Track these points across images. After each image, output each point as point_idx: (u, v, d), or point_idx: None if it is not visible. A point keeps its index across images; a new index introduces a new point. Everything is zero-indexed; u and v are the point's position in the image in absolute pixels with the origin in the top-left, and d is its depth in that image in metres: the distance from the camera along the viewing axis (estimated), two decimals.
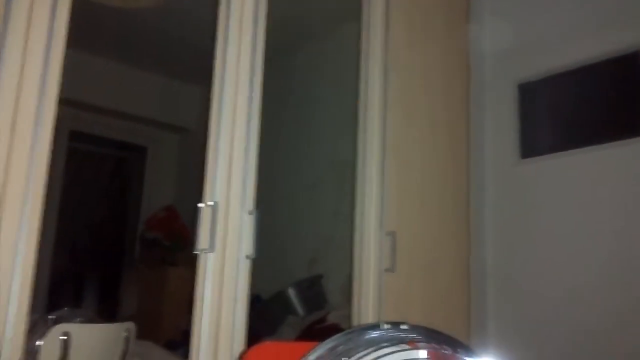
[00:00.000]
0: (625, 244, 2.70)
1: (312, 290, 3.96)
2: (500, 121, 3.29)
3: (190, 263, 2.01)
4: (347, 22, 3.44)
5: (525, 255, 3.07)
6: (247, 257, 2.01)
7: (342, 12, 3.79)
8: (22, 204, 1.58)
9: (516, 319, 3.05)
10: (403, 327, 1.18)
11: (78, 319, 2.55)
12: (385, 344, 1.13)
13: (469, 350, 1.15)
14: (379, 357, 1.10)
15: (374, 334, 1.17)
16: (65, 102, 1.80)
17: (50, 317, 2.50)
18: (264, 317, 3.84)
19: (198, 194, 1.99)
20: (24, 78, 1.62)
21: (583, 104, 3.04)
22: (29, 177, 1.60)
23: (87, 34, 4.26)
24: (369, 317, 2.46)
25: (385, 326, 1.18)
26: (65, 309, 2.66)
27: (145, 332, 3.02)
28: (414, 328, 1.19)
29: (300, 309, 3.86)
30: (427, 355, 1.12)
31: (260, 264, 2.08)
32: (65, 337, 2.17)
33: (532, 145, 3.17)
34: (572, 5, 3.07)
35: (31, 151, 1.61)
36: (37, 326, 2.31)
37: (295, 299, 3.89)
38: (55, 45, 1.69)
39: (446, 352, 1.13)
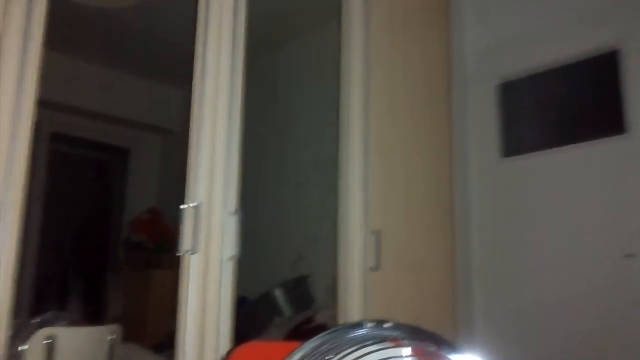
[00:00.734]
0: (609, 241, 2.72)
1: (298, 291, 3.96)
2: (482, 120, 3.30)
3: (175, 265, 2.00)
4: (328, 21, 3.44)
5: (510, 252, 3.09)
6: (231, 257, 2.00)
7: (323, 11, 3.79)
8: (1, 206, 1.56)
9: (503, 316, 3.07)
10: (386, 325, 1.18)
11: (63, 323, 2.52)
12: (369, 342, 1.13)
13: (453, 347, 1.15)
14: (363, 355, 1.10)
15: (358, 332, 1.17)
16: (47, 104, 1.78)
17: (34, 321, 2.48)
18: (251, 318, 3.83)
19: (181, 196, 1.98)
20: (1, 80, 1.61)
21: (564, 103, 3.07)
22: (8, 179, 1.58)
23: (68, 35, 4.24)
24: (355, 317, 2.46)
25: (369, 324, 1.17)
26: (50, 312, 2.64)
27: (131, 334, 3.00)
28: (398, 326, 1.18)
29: (286, 310, 3.85)
30: (411, 352, 1.12)
31: (245, 265, 2.08)
32: (50, 341, 2.15)
33: (514, 143, 3.18)
34: (553, 5, 3.09)
35: (9, 153, 1.59)
36: (21, 330, 2.29)
37: (282, 299, 3.88)
38: (32, 46, 1.68)
39: (430, 349, 1.13)
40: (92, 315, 5.03)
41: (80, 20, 4.14)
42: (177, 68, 4.46)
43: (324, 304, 3.75)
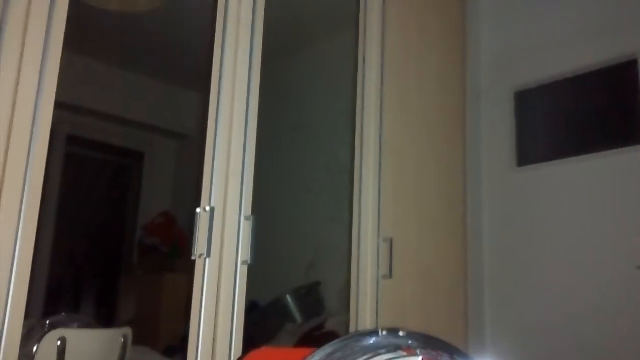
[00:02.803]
0: (621, 253, 2.70)
1: (310, 297, 3.95)
2: (497, 128, 3.29)
3: (188, 269, 2.01)
4: (344, 27, 3.45)
5: (521, 262, 3.07)
6: (244, 262, 2.00)
7: (339, 17, 3.80)
8: (18, 207, 1.57)
9: (513, 325, 3.05)
10: (400, 333, 1.18)
11: (75, 324, 2.54)
12: (382, 350, 1.13)
13: (465, 356, 1.14)
14: None
15: (371, 340, 1.16)
16: (63, 106, 1.79)
17: (46, 321, 2.49)
18: (262, 323, 3.83)
19: (195, 200, 1.99)
20: (21, 81, 1.62)
21: (579, 112, 3.05)
22: (26, 180, 1.59)
23: (86, 38, 4.27)
24: (367, 324, 2.46)
25: (383, 332, 1.17)
26: (62, 313, 2.65)
27: (143, 337, 3.01)
28: (411, 334, 1.18)
29: (298, 316, 3.85)
30: None
31: (257, 270, 2.08)
32: (61, 342, 2.15)
33: (528, 152, 3.17)
34: (569, 13, 3.08)
35: (28, 154, 1.61)
36: (33, 331, 2.30)
37: (293, 305, 3.88)
38: (52, 49, 1.69)
39: (443, 358, 1.13)
40: (105, 318, 5.04)
41: (98, 23, 4.17)
42: (193, 72, 4.49)
43: (335, 311, 3.74)
